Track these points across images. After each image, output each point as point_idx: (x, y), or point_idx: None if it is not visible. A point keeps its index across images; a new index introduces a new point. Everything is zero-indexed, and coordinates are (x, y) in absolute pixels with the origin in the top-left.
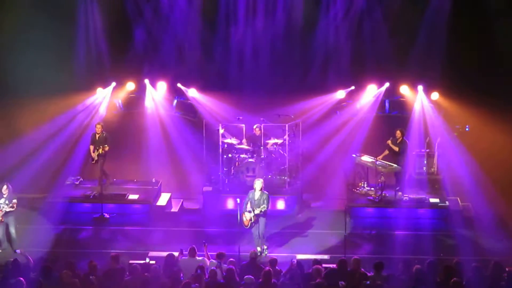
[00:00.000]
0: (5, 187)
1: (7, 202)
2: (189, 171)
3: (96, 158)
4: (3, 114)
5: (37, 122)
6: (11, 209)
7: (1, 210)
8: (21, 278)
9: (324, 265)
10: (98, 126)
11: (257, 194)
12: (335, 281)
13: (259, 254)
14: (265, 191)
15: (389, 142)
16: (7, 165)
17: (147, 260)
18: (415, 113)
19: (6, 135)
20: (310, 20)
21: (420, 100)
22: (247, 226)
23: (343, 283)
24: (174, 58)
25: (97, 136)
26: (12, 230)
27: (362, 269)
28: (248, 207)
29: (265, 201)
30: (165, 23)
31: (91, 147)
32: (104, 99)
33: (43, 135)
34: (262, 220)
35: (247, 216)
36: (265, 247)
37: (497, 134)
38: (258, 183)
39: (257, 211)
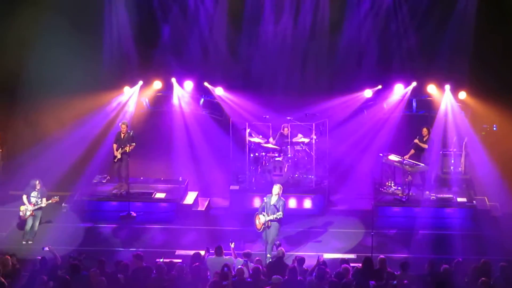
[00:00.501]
0: (37, 181)
1: (39, 196)
2: (216, 170)
3: (119, 156)
4: (31, 114)
5: (65, 121)
6: (44, 205)
7: (32, 204)
8: (45, 277)
9: (351, 264)
10: (123, 125)
11: (273, 199)
12: (362, 280)
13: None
14: (282, 197)
15: (416, 141)
16: (35, 163)
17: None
18: (442, 113)
19: (34, 135)
20: (336, 19)
21: (447, 100)
22: (259, 230)
23: (373, 282)
24: (201, 57)
25: (122, 135)
26: (37, 224)
27: (389, 269)
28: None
29: (280, 208)
30: (192, 21)
31: (115, 146)
32: (131, 98)
33: (71, 134)
34: (274, 225)
35: (261, 219)
36: (269, 255)
37: None
38: (276, 188)
39: (270, 217)
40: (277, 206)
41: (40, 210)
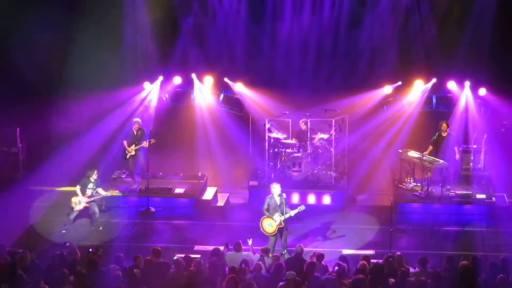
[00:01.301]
0: (95, 172)
1: (94, 187)
2: (235, 165)
3: (133, 153)
4: (51, 110)
5: (85, 117)
6: (103, 195)
7: (87, 196)
8: (66, 270)
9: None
10: (136, 123)
11: (277, 199)
12: (381, 277)
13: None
14: (283, 193)
15: (434, 137)
16: (55, 159)
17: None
18: (461, 109)
19: (54, 131)
20: (357, 15)
21: (466, 96)
22: (272, 233)
23: (392, 280)
24: (221, 53)
25: (135, 132)
26: (97, 212)
27: (406, 265)
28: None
29: (286, 206)
30: (212, 17)
31: (125, 143)
32: (152, 94)
33: (90, 130)
34: (284, 234)
35: (277, 221)
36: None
37: None
38: (277, 188)
39: (287, 215)
40: (283, 204)
41: (94, 202)
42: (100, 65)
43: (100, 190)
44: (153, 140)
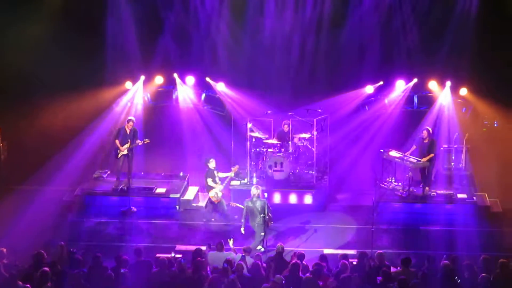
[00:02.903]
0: (213, 160)
1: (218, 173)
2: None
3: (125, 152)
4: (32, 110)
5: (67, 118)
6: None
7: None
8: (47, 268)
9: (351, 260)
10: (130, 121)
11: (257, 201)
12: (367, 275)
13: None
14: (263, 199)
15: (424, 159)
16: (37, 159)
17: (173, 254)
18: (438, 109)
19: (36, 131)
20: (339, 15)
21: (447, 96)
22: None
23: (380, 278)
24: (203, 52)
25: (128, 131)
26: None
27: (388, 263)
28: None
29: (265, 209)
30: (194, 16)
31: (117, 142)
32: (134, 93)
33: (72, 130)
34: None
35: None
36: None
37: None
38: (256, 190)
39: (267, 217)
40: (263, 208)
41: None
42: (81, 64)
43: (221, 174)
44: (147, 140)
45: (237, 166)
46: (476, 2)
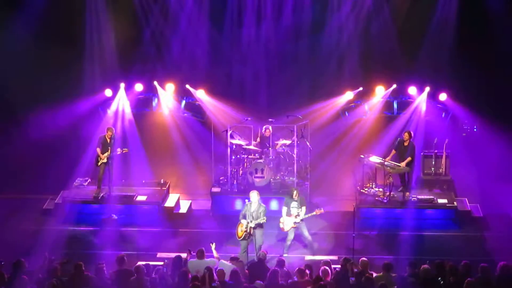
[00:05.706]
0: (296, 191)
1: (299, 206)
2: (197, 172)
3: (105, 160)
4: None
5: (46, 126)
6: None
7: (293, 215)
8: (25, 276)
9: (333, 266)
10: (110, 130)
11: (254, 206)
12: (344, 281)
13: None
14: (262, 204)
15: (403, 163)
16: (16, 166)
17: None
18: (419, 114)
19: (15, 140)
20: (318, 21)
21: (425, 101)
22: (240, 237)
23: (353, 278)
24: (183, 60)
25: (108, 140)
26: (306, 233)
27: (370, 271)
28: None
29: (261, 214)
30: (173, 24)
31: (98, 150)
32: (119, 101)
33: (53, 138)
34: (259, 232)
35: (243, 226)
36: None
37: (503, 135)
38: (255, 195)
39: (253, 224)
40: (259, 213)
41: (302, 222)
42: (59, 73)
43: (303, 208)
44: (125, 149)
45: (322, 209)
46: (455, 8)
